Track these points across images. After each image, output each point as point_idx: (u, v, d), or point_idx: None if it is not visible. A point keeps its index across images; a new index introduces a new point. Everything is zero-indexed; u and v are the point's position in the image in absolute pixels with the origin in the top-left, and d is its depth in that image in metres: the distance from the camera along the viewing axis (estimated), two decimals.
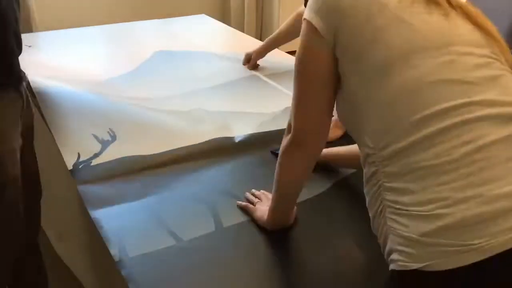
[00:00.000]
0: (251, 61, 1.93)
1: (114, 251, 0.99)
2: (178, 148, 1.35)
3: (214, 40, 2.36)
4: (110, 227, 1.06)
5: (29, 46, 2.16)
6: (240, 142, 1.43)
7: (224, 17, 3.60)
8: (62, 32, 2.42)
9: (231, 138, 1.44)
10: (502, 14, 2.79)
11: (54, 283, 1.87)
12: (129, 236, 1.04)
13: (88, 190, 1.19)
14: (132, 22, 2.68)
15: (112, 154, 1.30)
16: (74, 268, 1.74)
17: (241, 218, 1.10)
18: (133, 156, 1.30)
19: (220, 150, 1.39)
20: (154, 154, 1.32)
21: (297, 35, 1.83)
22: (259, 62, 1.98)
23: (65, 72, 1.91)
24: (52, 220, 1.92)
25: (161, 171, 1.29)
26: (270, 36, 1.97)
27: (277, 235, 1.06)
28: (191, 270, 0.96)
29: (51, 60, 2.04)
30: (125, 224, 1.08)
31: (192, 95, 1.71)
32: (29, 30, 2.87)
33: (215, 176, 1.27)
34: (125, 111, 1.48)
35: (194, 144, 1.37)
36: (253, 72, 1.92)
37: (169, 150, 1.34)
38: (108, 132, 1.38)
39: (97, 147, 1.32)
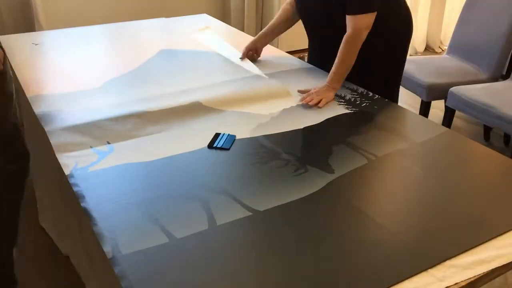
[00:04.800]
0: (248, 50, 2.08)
1: (107, 248, 1.00)
2: (175, 155, 1.37)
3: (215, 40, 2.37)
4: (104, 225, 1.07)
5: (36, 44, 2.19)
6: (235, 142, 1.44)
7: (224, 17, 3.61)
8: (67, 30, 2.45)
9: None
10: (502, 14, 2.79)
11: (61, 282, 1.89)
12: (122, 234, 1.05)
13: (84, 190, 1.20)
14: (136, 21, 2.70)
15: (108, 162, 1.32)
16: (76, 264, 1.76)
17: (234, 216, 1.11)
18: (129, 163, 1.32)
19: (215, 150, 1.40)
20: (150, 161, 1.33)
21: (290, 24, 2.11)
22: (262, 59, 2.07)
23: (69, 70, 1.94)
24: (54, 221, 1.94)
25: (155, 170, 1.30)
26: (266, 28, 2.12)
27: (270, 233, 1.07)
28: (184, 267, 0.97)
29: (56, 58, 2.06)
30: (119, 221, 1.09)
31: (190, 94, 1.73)
32: (34, 29, 2.90)
33: (208, 174, 1.28)
34: (123, 124, 1.50)
35: (191, 151, 1.39)
36: (252, 73, 1.93)
37: (166, 157, 1.35)
38: (106, 145, 1.40)
39: (94, 157, 1.34)
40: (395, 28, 1.92)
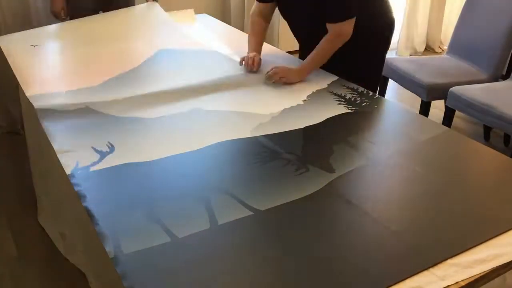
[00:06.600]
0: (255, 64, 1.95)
1: (109, 248, 1.00)
2: (176, 155, 1.37)
3: (216, 39, 2.37)
4: (105, 224, 1.07)
5: (35, 46, 2.19)
6: (236, 142, 1.44)
7: (224, 17, 3.61)
8: (64, 27, 2.44)
9: (228, 139, 1.46)
10: (502, 14, 2.79)
11: (61, 282, 1.89)
12: (124, 233, 1.05)
13: (85, 190, 1.20)
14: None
15: (109, 162, 1.32)
16: (76, 262, 1.76)
17: (236, 215, 1.12)
18: (130, 163, 1.32)
19: (216, 149, 1.40)
20: (151, 161, 1.33)
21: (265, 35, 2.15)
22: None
23: (68, 70, 1.94)
24: (54, 221, 1.94)
25: (156, 170, 1.30)
26: (252, 44, 2.06)
27: (271, 232, 1.07)
28: (185, 267, 0.97)
29: (55, 57, 2.06)
30: (121, 221, 1.09)
31: (191, 94, 1.73)
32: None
33: (210, 174, 1.28)
34: (123, 124, 1.51)
35: (192, 151, 1.39)
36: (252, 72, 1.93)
37: (167, 157, 1.35)
38: (107, 145, 1.40)
39: (95, 157, 1.34)
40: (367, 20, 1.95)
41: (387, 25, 2.05)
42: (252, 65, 1.92)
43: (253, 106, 1.66)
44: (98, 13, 2.74)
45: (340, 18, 1.83)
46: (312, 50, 1.94)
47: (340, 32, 1.85)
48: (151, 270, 0.96)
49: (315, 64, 1.91)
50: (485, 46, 2.83)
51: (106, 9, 2.77)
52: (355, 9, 1.84)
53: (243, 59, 1.96)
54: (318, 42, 1.90)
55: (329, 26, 1.85)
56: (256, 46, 2.05)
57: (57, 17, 2.66)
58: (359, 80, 1.88)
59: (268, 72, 1.85)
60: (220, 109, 1.64)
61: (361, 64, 2.01)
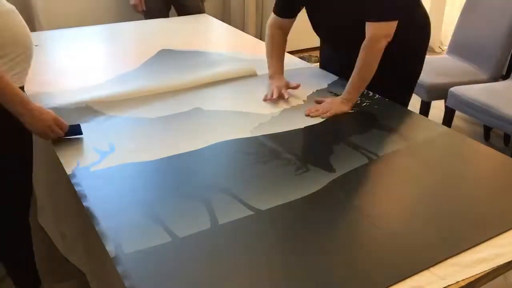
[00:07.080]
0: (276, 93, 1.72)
1: (110, 247, 1.01)
2: (176, 155, 1.37)
3: (216, 40, 2.37)
4: (106, 224, 1.07)
5: (36, 46, 2.18)
6: (236, 142, 1.44)
7: (224, 17, 3.62)
8: (66, 31, 2.45)
9: (228, 139, 1.46)
10: (502, 14, 2.79)
11: (61, 282, 1.89)
12: (125, 233, 1.05)
13: (86, 189, 1.20)
14: (137, 21, 2.70)
15: (110, 162, 1.32)
16: (76, 263, 1.76)
17: (236, 215, 1.12)
18: (131, 163, 1.32)
19: (216, 149, 1.40)
20: (151, 160, 1.33)
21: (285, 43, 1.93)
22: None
23: (69, 71, 1.93)
24: (54, 221, 1.94)
25: (156, 170, 1.30)
26: (271, 60, 1.86)
27: (271, 232, 1.07)
28: (186, 266, 0.97)
29: (55, 58, 2.06)
30: (121, 221, 1.09)
31: (191, 94, 1.73)
32: (34, 29, 2.90)
33: (211, 174, 1.28)
34: (124, 124, 1.52)
35: (192, 151, 1.39)
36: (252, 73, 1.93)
37: (167, 157, 1.35)
38: (107, 145, 1.40)
39: (96, 157, 1.34)
40: (410, 34, 1.76)
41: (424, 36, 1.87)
42: (275, 99, 1.71)
43: (253, 106, 1.67)
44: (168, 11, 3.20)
45: (384, 17, 1.61)
46: (334, 45, 1.81)
47: (379, 33, 1.61)
48: (152, 269, 0.96)
49: (359, 81, 1.67)
50: (485, 46, 2.83)
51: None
52: (400, 13, 1.63)
53: (266, 96, 1.73)
54: (340, 39, 1.75)
55: (368, 26, 1.63)
56: (277, 63, 1.85)
57: (136, 9, 3.12)
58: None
59: (308, 114, 1.62)
60: (220, 109, 1.64)
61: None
